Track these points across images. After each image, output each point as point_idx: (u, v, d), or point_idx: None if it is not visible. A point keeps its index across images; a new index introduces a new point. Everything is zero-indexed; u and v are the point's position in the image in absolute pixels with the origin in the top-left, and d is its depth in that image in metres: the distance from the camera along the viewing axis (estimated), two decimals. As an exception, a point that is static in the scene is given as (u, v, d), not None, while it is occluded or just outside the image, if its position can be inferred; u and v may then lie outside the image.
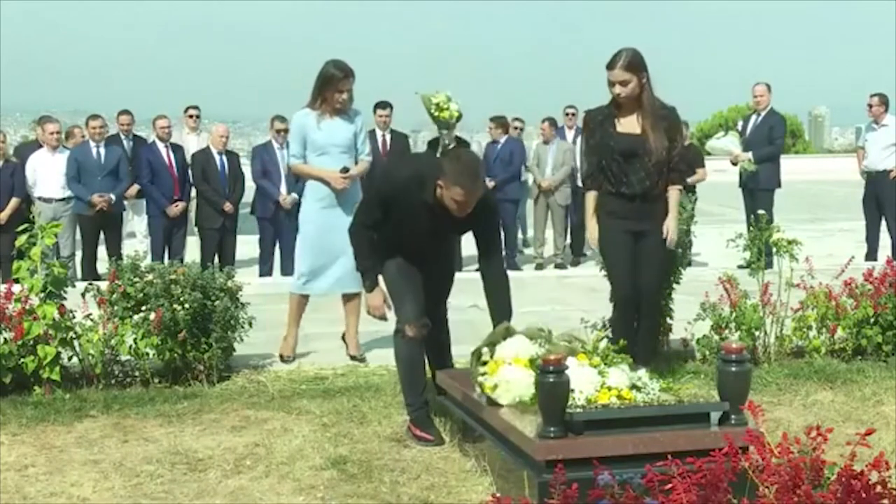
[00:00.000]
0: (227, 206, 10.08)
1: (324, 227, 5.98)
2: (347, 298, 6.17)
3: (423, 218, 4.62)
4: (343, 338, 6.29)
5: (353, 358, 6.11)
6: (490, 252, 4.79)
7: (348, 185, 5.99)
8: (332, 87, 5.92)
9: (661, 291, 5.65)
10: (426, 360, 4.86)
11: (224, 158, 10.22)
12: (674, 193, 5.29)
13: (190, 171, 10.33)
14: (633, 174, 5.19)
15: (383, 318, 4.86)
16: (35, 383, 5.41)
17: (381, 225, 4.74)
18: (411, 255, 4.81)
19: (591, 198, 5.37)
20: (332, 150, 5.99)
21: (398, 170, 4.95)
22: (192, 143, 11.28)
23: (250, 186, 10.66)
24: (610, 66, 5.13)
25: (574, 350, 4.23)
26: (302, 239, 6.15)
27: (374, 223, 4.75)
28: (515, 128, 12.43)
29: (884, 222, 10.81)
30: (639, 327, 5.55)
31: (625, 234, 5.25)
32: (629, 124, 5.22)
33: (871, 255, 10.37)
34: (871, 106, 10.77)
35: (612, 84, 5.13)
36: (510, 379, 4.00)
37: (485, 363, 4.31)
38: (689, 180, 10.91)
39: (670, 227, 5.26)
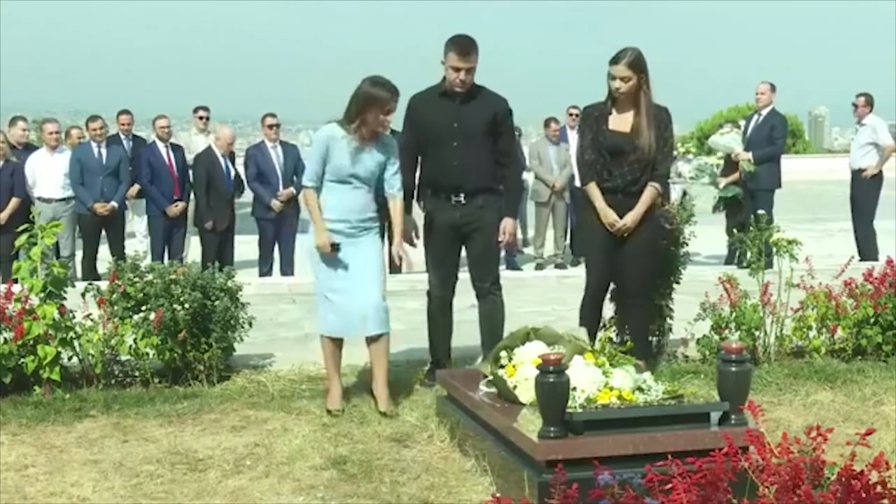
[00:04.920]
0: (209, 224, 10.03)
1: (340, 262, 5.11)
2: (372, 341, 5.14)
3: (448, 119, 5.37)
4: (371, 391, 5.24)
5: (383, 415, 5.01)
6: (506, 162, 5.54)
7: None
8: (376, 108, 5.01)
9: (650, 285, 5.74)
10: (451, 324, 5.58)
11: (227, 161, 10.21)
12: (648, 191, 5.44)
13: (191, 172, 10.30)
14: (617, 169, 5.42)
15: (411, 243, 5.45)
16: (35, 383, 5.41)
17: (418, 151, 5.49)
18: (449, 181, 5.38)
19: (593, 187, 5.49)
20: (355, 181, 5.11)
21: (414, 99, 5.57)
22: (200, 144, 11.21)
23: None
24: (614, 61, 5.32)
25: (582, 349, 4.26)
26: (317, 275, 5.22)
27: (413, 149, 5.48)
28: None
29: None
30: (629, 322, 5.72)
31: (605, 227, 5.44)
32: (621, 122, 5.41)
33: (862, 253, 10.40)
34: (856, 106, 10.84)
35: (612, 78, 5.32)
36: (529, 377, 4.02)
37: (502, 366, 4.35)
38: (732, 176, 10.93)
39: (627, 219, 5.40)
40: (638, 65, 5.30)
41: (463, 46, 5.34)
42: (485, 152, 5.45)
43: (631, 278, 5.56)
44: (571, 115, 12.47)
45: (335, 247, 5.07)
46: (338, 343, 5.18)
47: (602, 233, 5.47)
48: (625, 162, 5.39)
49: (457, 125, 5.41)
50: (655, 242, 5.66)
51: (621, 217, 5.41)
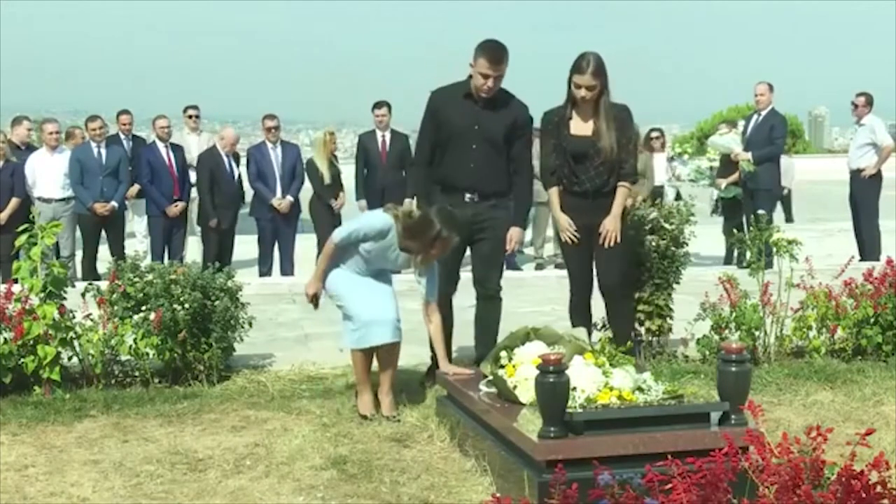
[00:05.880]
0: (213, 223, 10.06)
1: (355, 279, 5.19)
2: (383, 349, 5.13)
3: (469, 121, 5.37)
4: (376, 395, 5.20)
5: (387, 419, 5.05)
6: (519, 169, 5.56)
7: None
8: (442, 247, 5.03)
9: (626, 279, 5.79)
10: (452, 322, 5.53)
11: (231, 160, 10.23)
12: (620, 191, 5.51)
13: (194, 172, 10.32)
14: (584, 173, 5.48)
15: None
16: (35, 383, 5.41)
17: (435, 149, 5.49)
18: (464, 181, 5.39)
19: (554, 193, 5.63)
20: (375, 266, 5.21)
21: (437, 94, 5.58)
22: (192, 144, 11.25)
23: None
24: (579, 70, 5.36)
25: (582, 349, 4.26)
26: (340, 297, 5.20)
27: (430, 146, 5.52)
28: None
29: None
30: (610, 316, 5.76)
31: (579, 228, 5.52)
32: (582, 126, 5.48)
33: (863, 252, 10.40)
34: (856, 106, 10.84)
35: (578, 87, 5.37)
36: (529, 377, 4.02)
37: (502, 366, 4.36)
38: (733, 177, 10.93)
39: (607, 225, 5.46)
40: (601, 71, 5.35)
41: (495, 53, 5.33)
42: (501, 157, 5.49)
43: (607, 276, 5.61)
44: None
45: (315, 301, 5.27)
46: (367, 354, 5.14)
47: (579, 236, 5.53)
48: (591, 166, 5.45)
49: (477, 128, 5.43)
50: (627, 239, 5.70)
51: (594, 216, 5.46)
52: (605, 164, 5.44)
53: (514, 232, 5.55)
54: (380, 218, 5.10)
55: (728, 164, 11.04)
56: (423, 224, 4.99)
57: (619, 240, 5.49)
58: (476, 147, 5.42)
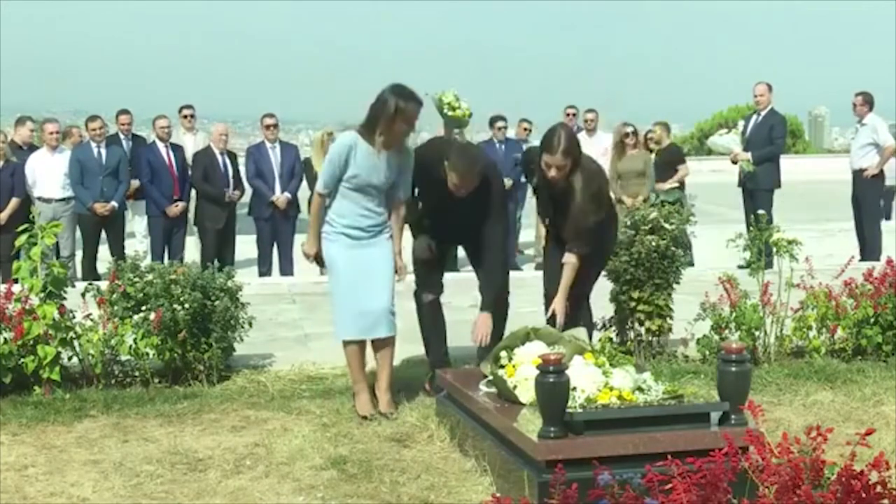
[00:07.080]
0: (228, 197, 10.08)
1: (352, 264, 5.07)
2: (378, 345, 5.13)
3: (444, 191, 5.12)
4: (373, 391, 5.18)
5: (384, 416, 5.02)
6: (488, 244, 5.27)
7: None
8: (403, 121, 4.98)
9: (584, 298, 5.56)
10: (444, 325, 5.51)
11: (226, 158, 10.23)
12: (567, 266, 5.18)
13: (190, 171, 10.32)
14: (553, 224, 5.40)
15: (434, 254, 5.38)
16: (35, 383, 5.41)
17: (420, 193, 5.40)
18: (445, 231, 5.37)
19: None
20: (371, 189, 5.06)
21: (423, 150, 5.45)
22: (188, 143, 11.26)
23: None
24: (549, 149, 5.00)
25: (582, 349, 4.27)
26: (335, 282, 5.14)
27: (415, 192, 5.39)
28: (500, 128, 11.97)
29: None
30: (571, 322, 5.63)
31: (557, 246, 5.33)
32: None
33: (865, 252, 10.40)
34: (855, 105, 10.82)
35: (548, 167, 5.03)
36: (529, 377, 4.02)
37: (502, 366, 4.36)
38: (674, 178, 10.88)
39: (556, 308, 5.15)
40: (572, 148, 5.00)
41: (465, 170, 5.07)
42: (480, 213, 5.25)
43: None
44: (568, 115, 12.46)
45: (319, 259, 5.18)
46: (360, 346, 5.11)
47: (558, 254, 5.34)
48: (560, 217, 5.25)
49: (452, 208, 5.20)
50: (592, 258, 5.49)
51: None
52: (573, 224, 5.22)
53: (481, 320, 5.18)
54: (343, 136, 5.13)
55: (663, 167, 10.87)
56: (378, 105, 4.98)
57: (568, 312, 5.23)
58: (453, 221, 5.26)
